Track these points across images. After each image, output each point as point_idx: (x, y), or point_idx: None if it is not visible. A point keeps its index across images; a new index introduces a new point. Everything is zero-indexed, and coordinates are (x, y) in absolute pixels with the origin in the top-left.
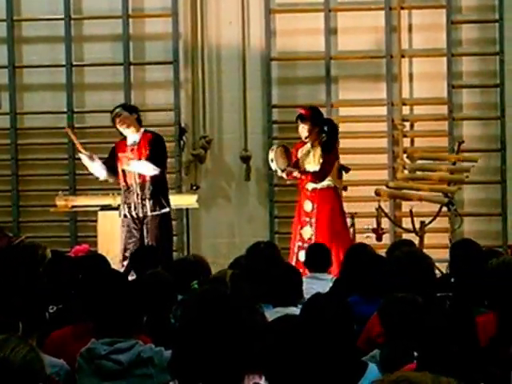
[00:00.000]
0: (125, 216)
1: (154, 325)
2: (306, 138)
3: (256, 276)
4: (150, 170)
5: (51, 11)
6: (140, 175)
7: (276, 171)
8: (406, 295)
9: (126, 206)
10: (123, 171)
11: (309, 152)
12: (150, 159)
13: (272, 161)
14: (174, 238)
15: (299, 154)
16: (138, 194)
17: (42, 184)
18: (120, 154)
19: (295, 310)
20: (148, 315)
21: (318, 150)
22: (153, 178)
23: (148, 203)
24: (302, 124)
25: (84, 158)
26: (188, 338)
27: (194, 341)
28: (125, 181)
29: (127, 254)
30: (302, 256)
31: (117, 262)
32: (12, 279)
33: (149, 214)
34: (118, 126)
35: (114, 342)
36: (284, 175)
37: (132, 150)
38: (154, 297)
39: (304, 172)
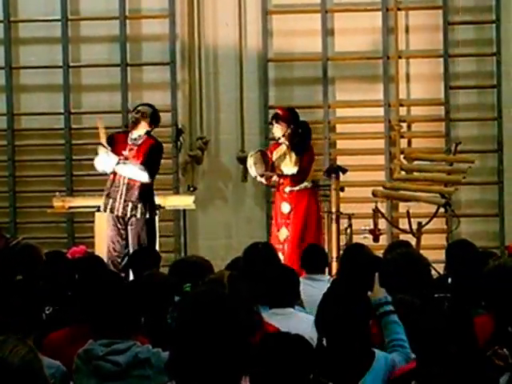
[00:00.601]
0: (106, 211)
1: (152, 326)
2: (279, 138)
3: (253, 277)
4: (139, 176)
5: (48, 12)
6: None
7: (255, 177)
8: (402, 297)
9: (106, 199)
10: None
11: (285, 154)
12: (144, 164)
13: (251, 167)
14: (171, 240)
15: (274, 156)
16: (121, 194)
17: (39, 185)
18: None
19: (292, 311)
20: (145, 316)
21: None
22: (140, 182)
23: (129, 206)
24: (277, 124)
25: (102, 151)
26: (185, 339)
27: (191, 342)
28: (113, 173)
29: (115, 254)
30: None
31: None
32: (10, 280)
33: (128, 215)
34: (131, 117)
35: (112, 343)
36: (263, 180)
37: (131, 149)
38: (152, 298)
39: (282, 175)
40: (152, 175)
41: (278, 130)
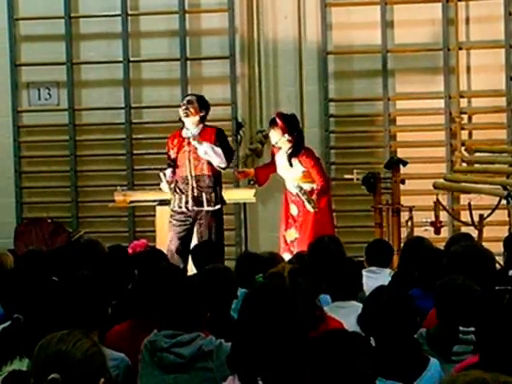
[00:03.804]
0: (174, 209)
1: (214, 320)
2: (276, 143)
3: (319, 270)
4: (218, 160)
5: (108, 8)
6: (196, 168)
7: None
8: (459, 278)
9: (178, 198)
10: (178, 165)
11: (286, 158)
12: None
13: (301, 191)
14: (232, 233)
15: (277, 159)
16: (193, 188)
17: (100, 179)
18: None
19: (355, 304)
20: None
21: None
22: (210, 172)
23: (204, 197)
24: (273, 129)
25: (165, 185)
26: (245, 333)
27: (251, 335)
28: (180, 173)
29: (173, 248)
30: (286, 258)
31: None
32: (73, 274)
33: (204, 208)
34: (181, 111)
35: (176, 335)
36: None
37: (189, 143)
38: (214, 291)
39: (313, 191)
40: (229, 160)
41: (273, 135)
